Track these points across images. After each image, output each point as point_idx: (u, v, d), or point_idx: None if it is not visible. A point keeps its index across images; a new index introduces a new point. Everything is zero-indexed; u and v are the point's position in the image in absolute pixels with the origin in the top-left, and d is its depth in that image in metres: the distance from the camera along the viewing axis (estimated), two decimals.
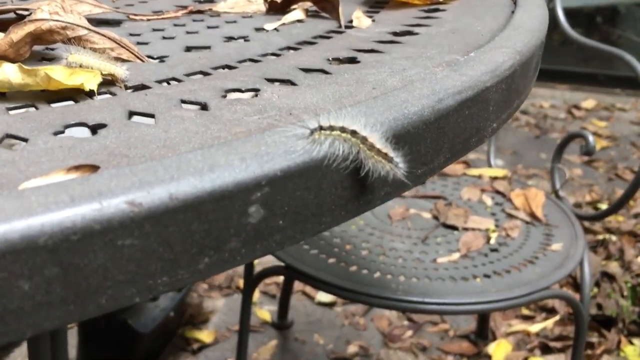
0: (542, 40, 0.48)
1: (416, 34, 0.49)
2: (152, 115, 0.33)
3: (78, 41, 0.41)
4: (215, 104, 0.35)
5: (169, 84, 0.39)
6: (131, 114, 0.33)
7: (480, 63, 0.40)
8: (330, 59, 0.43)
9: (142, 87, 0.38)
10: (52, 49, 0.44)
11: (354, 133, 0.30)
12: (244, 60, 0.43)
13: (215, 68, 0.42)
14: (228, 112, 0.34)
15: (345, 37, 0.49)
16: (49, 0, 0.49)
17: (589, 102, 2.84)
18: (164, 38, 0.49)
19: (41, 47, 0.43)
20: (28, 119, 0.32)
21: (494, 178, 1.37)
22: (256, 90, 0.37)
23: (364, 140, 0.30)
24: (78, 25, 0.41)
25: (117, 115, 0.33)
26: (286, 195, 0.28)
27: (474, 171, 1.40)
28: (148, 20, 0.53)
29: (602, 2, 3.16)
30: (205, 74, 0.41)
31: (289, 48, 0.46)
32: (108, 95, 0.37)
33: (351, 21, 0.53)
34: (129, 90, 0.37)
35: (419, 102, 0.34)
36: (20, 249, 0.22)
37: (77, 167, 0.25)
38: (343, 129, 0.30)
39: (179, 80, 0.39)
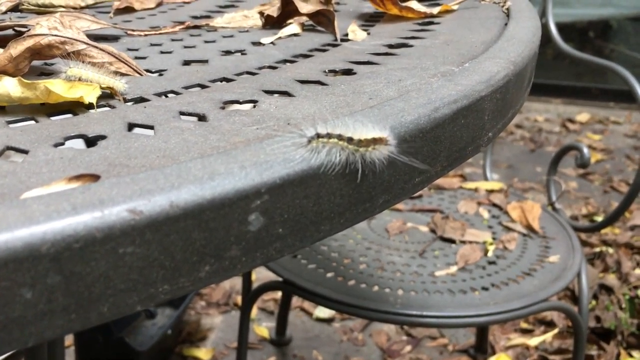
0: (535, 51, 0.48)
1: (411, 46, 0.49)
2: (151, 127, 0.33)
3: (77, 55, 0.42)
4: (214, 115, 0.35)
5: (167, 96, 0.40)
6: (130, 125, 0.34)
7: (474, 73, 0.40)
8: (327, 70, 0.44)
9: (140, 99, 0.38)
10: (51, 64, 0.45)
11: (350, 140, 0.31)
12: (241, 73, 0.44)
13: (213, 81, 0.42)
14: (226, 123, 0.34)
15: (341, 50, 0.49)
16: (48, 15, 0.49)
17: (583, 116, 2.86)
18: (162, 52, 0.49)
19: (40, 61, 0.44)
20: (28, 132, 0.33)
21: (490, 191, 1.38)
22: (254, 101, 0.38)
23: (359, 143, 0.31)
24: (77, 40, 0.41)
25: (117, 127, 0.33)
26: (285, 203, 0.28)
27: (471, 184, 1.41)
28: (146, 35, 0.53)
29: (594, 16, 3.20)
30: (203, 86, 0.41)
31: (285, 61, 0.47)
32: (107, 108, 0.37)
33: (347, 34, 0.53)
34: (128, 103, 0.38)
35: (415, 111, 0.34)
36: (22, 258, 0.22)
37: (78, 177, 0.25)
38: (340, 137, 0.30)
39: (177, 93, 0.40)
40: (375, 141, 0.31)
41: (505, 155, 2.55)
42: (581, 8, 3.15)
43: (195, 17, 0.61)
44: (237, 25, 0.56)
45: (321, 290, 1.03)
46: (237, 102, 0.38)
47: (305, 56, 0.48)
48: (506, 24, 0.54)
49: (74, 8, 0.62)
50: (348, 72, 0.44)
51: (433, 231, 1.23)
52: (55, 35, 0.41)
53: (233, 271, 0.27)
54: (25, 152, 0.30)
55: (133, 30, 0.53)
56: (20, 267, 0.22)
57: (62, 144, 0.31)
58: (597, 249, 1.93)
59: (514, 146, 2.64)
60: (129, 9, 0.62)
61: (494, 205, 1.32)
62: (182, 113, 0.36)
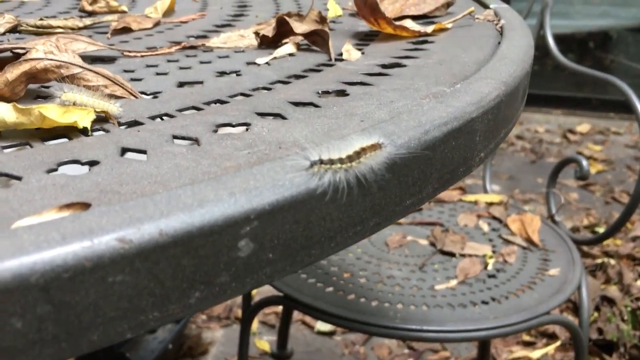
0: (527, 70, 0.49)
1: (404, 65, 0.50)
2: (144, 152, 0.34)
3: (72, 79, 0.42)
4: (207, 139, 0.36)
5: (161, 119, 0.40)
6: (124, 150, 0.34)
7: (466, 94, 0.40)
8: (320, 92, 0.44)
9: (135, 123, 0.39)
10: (47, 87, 0.45)
11: (350, 159, 0.31)
12: (236, 95, 0.44)
13: (207, 103, 0.43)
14: (219, 147, 0.34)
15: (335, 70, 0.50)
16: (45, 39, 0.50)
17: (583, 127, 2.86)
18: (157, 74, 0.49)
19: (36, 85, 0.44)
20: (22, 157, 0.33)
21: (490, 204, 1.38)
22: (247, 124, 0.38)
23: (357, 156, 0.31)
24: (72, 64, 0.42)
25: (110, 152, 0.34)
26: (275, 228, 0.28)
27: (470, 197, 1.41)
28: (142, 56, 0.54)
29: (594, 27, 3.21)
30: (197, 109, 0.42)
31: (279, 82, 0.47)
32: (101, 132, 0.37)
33: (341, 54, 0.54)
34: (122, 127, 0.38)
35: (406, 134, 0.34)
36: (12, 288, 0.22)
37: (69, 205, 0.26)
38: (341, 160, 0.31)
39: (171, 116, 0.40)
40: (372, 148, 0.32)
41: (506, 166, 2.55)
42: (581, 19, 3.16)
43: (192, 37, 0.62)
44: (232, 45, 0.57)
45: (321, 305, 1.03)
46: (230, 125, 0.38)
47: (299, 77, 0.49)
48: (499, 43, 0.55)
49: (72, 29, 0.62)
50: (341, 93, 0.44)
51: (433, 244, 1.23)
52: (51, 60, 0.42)
53: (223, 297, 0.27)
54: (18, 178, 0.31)
55: (129, 52, 0.54)
56: (9, 297, 0.22)
57: (55, 169, 0.32)
58: (599, 260, 1.92)
59: (515, 157, 2.64)
60: (126, 29, 0.62)
61: (494, 218, 1.32)
62: (175, 137, 0.36)
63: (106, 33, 0.62)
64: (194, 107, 0.42)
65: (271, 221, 0.28)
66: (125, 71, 0.50)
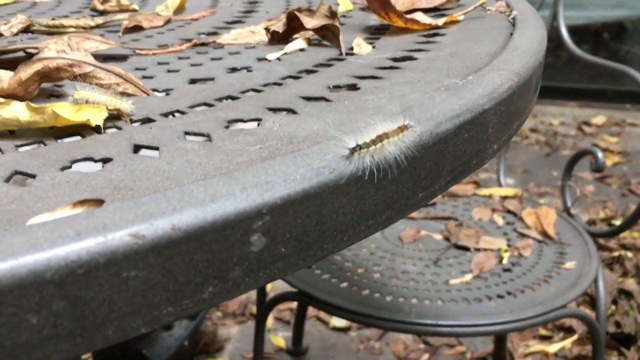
0: (540, 61, 0.48)
1: (415, 59, 0.50)
2: (156, 148, 0.34)
3: (85, 78, 0.42)
4: (218, 135, 0.36)
5: (173, 116, 0.40)
6: (136, 147, 0.34)
7: (478, 86, 0.40)
8: (331, 86, 0.44)
9: (147, 120, 0.39)
10: (60, 86, 0.45)
11: (382, 138, 0.32)
12: (247, 91, 0.44)
13: (219, 99, 0.43)
14: (230, 143, 0.34)
15: (346, 65, 0.50)
16: (57, 38, 0.50)
17: (599, 119, 2.83)
18: (169, 71, 0.50)
19: (49, 84, 0.44)
20: (36, 156, 0.33)
21: (505, 197, 1.37)
22: (258, 120, 0.38)
23: (390, 135, 0.33)
24: (84, 62, 0.42)
25: (123, 149, 0.34)
26: (287, 223, 0.28)
27: (484, 191, 1.40)
28: (153, 54, 0.54)
29: (609, 18, 3.17)
30: (208, 105, 0.42)
31: (290, 77, 0.47)
32: (114, 130, 0.37)
33: (352, 48, 0.53)
34: (135, 124, 0.38)
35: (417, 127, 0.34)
36: (27, 284, 0.22)
37: (83, 202, 0.26)
38: (375, 142, 0.32)
39: (183, 113, 0.40)
40: (400, 130, 0.33)
41: (520, 160, 2.53)
42: (595, 10, 3.13)
43: (203, 34, 0.62)
44: (243, 42, 0.57)
45: (335, 301, 1.04)
46: (242, 120, 0.38)
47: (310, 72, 0.49)
48: (512, 34, 0.54)
49: (84, 28, 0.62)
50: (352, 87, 0.44)
51: (447, 239, 1.22)
52: (64, 58, 0.42)
53: (236, 291, 0.27)
54: (32, 176, 0.31)
55: (141, 50, 0.54)
56: (25, 293, 0.22)
57: (69, 167, 0.32)
58: (616, 253, 1.91)
59: (530, 150, 2.63)
60: (137, 28, 0.62)
61: (509, 211, 1.32)
62: (187, 133, 0.36)
63: (118, 32, 0.62)
64: (205, 104, 0.42)
65: (283, 215, 0.28)
66: (137, 69, 0.50)
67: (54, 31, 0.61)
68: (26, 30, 0.62)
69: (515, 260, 1.15)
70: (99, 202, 0.26)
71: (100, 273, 0.23)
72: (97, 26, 0.64)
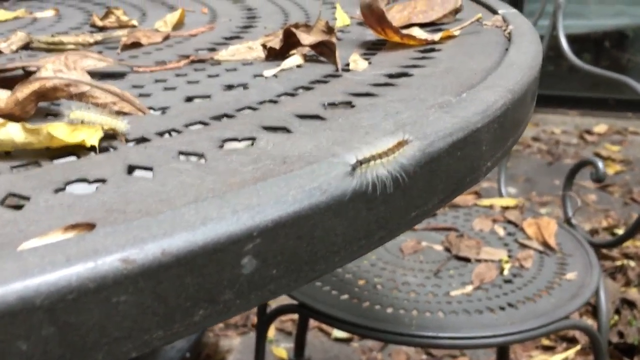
0: (535, 76, 0.49)
1: (411, 75, 0.50)
2: (150, 169, 0.34)
3: (81, 97, 0.43)
4: (212, 155, 0.36)
5: (169, 135, 0.40)
6: (130, 168, 0.35)
7: (471, 104, 0.40)
8: (326, 104, 0.44)
9: (142, 139, 0.39)
10: (58, 104, 0.46)
11: (385, 154, 0.33)
12: (242, 109, 0.45)
13: (214, 117, 0.43)
14: (224, 163, 0.34)
15: (341, 81, 0.50)
16: (55, 56, 0.51)
17: (600, 127, 2.83)
18: (166, 89, 0.50)
19: (47, 103, 0.45)
20: (31, 177, 0.33)
21: (506, 208, 1.37)
22: (252, 139, 0.38)
23: (391, 152, 0.33)
24: (81, 82, 0.43)
25: (117, 169, 0.34)
26: (278, 245, 0.28)
27: (485, 201, 1.40)
28: (151, 71, 0.54)
29: (610, 27, 3.17)
30: (204, 123, 0.42)
31: (286, 94, 0.48)
32: (110, 150, 0.38)
33: (348, 64, 0.54)
34: (130, 144, 0.39)
35: None
36: (17, 310, 0.22)
37: (74, 226, 0.26)
38: (376, 158, 0.32)
39: (178, 132, 0.40)
40: (400, 144, 0.33)
41: (522, 169, 2.53)
42: (596, 19, 3.13)
43: (201, 50, 0.62)
44: (240, 58, 0.57)
45: (336, 313, 1.04)
46: (236, 139, 0.38)
47: (306, 88, 0.49)
48: (507, 49, 0.54)
49: (83, 45, 0.63)
50: (347, 104, 0.44)
51: (448, 250, 1.22)
52: (60, 78, 0.42)
53: (227, 314, 0.28)
54: (27, 198, 0.31)
55: (139, 67, 0.54)
56: (15, 319, 0.22)
57: (63, 189, 0.32)
58: (619, 263, 1.90)
59: (531, 159, 2.62)
60: (136, 44, 0.63)
61: (510, 222, 1.32)
62: (181, 153, 0.37)
63: (117, 48, 0.63)
64: (201, 122, 0.42)
65: (274, 238, 0.28)
66: (134, 87, 0.51)
67: (53, 48, 0.61)
68: (26, 47, 0.62)
69: (516, 271, 1.15)
70: (90, 227, 0.26)
71: (90, 298, 0.24)
72: (96, 43, 0.64)
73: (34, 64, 0.49)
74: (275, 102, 0.46)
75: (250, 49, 0.59)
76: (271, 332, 1.81)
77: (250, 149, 0.37)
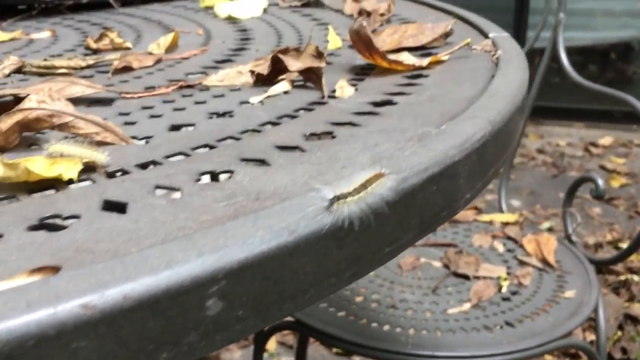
0: (518, 105, 0.49)
1: (395, 103, 0.50)
2: (125, 204, 0.34)
3: (64, 128, 0.43)
4: (188, 189, 0.36)
5: (150, 166, 0.41)
6: (105, 203, 0.35)
7: (450, 136, 0.41)
8: (308, 134, 0.45)
9: (122, 172, 0.40)
10: (43, 133, 0.46)
11: (361, 188, 0.33)
12: (225, 138, 0.45)
13: (196, 148, 0.43)
14: (198, 198, 0.35)
15: (326, 109, 0.50)
16: (44, 83, 0.51)
17: (606, 140, 2.82)
18: (152, 116, 0.50)
19: (31, 132, 0.45)
20: (7, 213, 0.34)
21: (506, 223, 1.36)
22: (230, 172, 0.39)
23: (365, 186, 0.33)
24: (64, 113, 0.43)
25: (92, 204, 0.35)
26: (244, 286, 0.29)
27: (485, 217, 1.40)
28: (139, 97, 0.55)
29: (615, 39, 3.17)
30: (185, 154, 0.42)
31: (270, 123, 0.48)
32: (88, 182, 0.38)
33: (334, 91, 0.54)
34: (109, 177, 0.39)
35: None
36: None
37: (40, 269, 0.26)
38: (352, 193, 0.33)
39: (158, 163, 0.41)
40: (376, 177, 0.34)
41: (527, 181, 2.52)
42: (602, 31, 3.13)
43: (192, 74, 0.63)
44: (229, 83, 0.58)
45: (332, 330, 1.04)
46: (214, 172, 0.39)
47: (291, 117, 0.49)
48: (494, 75, 0.54)
49: (75, 69, 0.64)
50: (329, 134, 0.45)
51: (446, 267, 1.22)
52: (43, 109, 0.43)
53: (192, 355, 0.28)
54: (0, 236, 0.31)
55: (127, 93, 0.55)
56: None
57: (37, 226, 0.33)
58: (623, 277, 1.89)
59: (536, 172, 2.62)
60: (127, 68, 0.63)
61: (509, 238, 1.31)
62: (158, 187, 0.37)
63: (108, 72, 0.63)
64: (182, 153, 0.42)
65: (240, 279, 0.28)
66: (121, 114, 0.51)
67: (45, 72, 0.62)
68: (18, 71, 0.63)
69: (514, 288, 1.15)
70: (56, 270, 0.27)
71: (50, 345, 0.24)
72: (88, 66, 0.65)
73: (20, 91, 0.50)
74: (258, 131, 0.46)
75: (240, 73, 0.60)
76: (272, 346, 1.81)
77: (226, 182, 0.37)
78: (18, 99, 0.51)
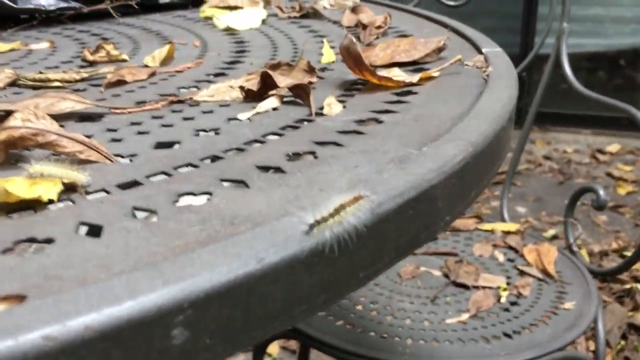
0: (503, 125, 0.49)
1: (381, 122, 0.50)
2: (100, 228, 0.35)
3: (48, 146, 0.44)
4: (165, 212, 0.36)
5: (130, 187, 0.41)
6: (81, 225, 0.35)
7: (429, 159, 0.41)
8: (291, 154, 0.45)
9: (102, 191, 0.40)
10: (30, 149, 0.46)
11: (338, 212, 0.33)
12: (208, 157, 0.45)
13: (178, 167, 0.44)
14: (174, 222, 0.35)
15: (312, 127, 0.50)
16: (34, 99, 0.52)
17: (613, 147, 2.81)
18: (139, 133, 0.51)
19: (18, 150, 0.46)
20: None
21: (507, 232, 1.36)
22: (208, 193, 0.39)
23: (345, 207, 0.34)
24: (48, 131, 0.43)
25: (68, 227, 0.35)
26: (211, 315, 0.29)
27: (487, 226, 1.39)
28: (128, 112, 0.55)
29: (624, 45, 3.15)
30: (166, 174, 0.43)
31: (255, 141, 0.48)
32: (68, 203, 0.38)
33: (322, 107, 0.54)
34: (89, 196, 0.39)
35: None
36: None
37: (5, 298, 0.27)
38: (332, 215, 0.33)
39: (139, 183, 0.41)
40: (355, 200, 0.34)
41: (532, 188, 2.51)
42: (611, 37, 3.11)
43: (184, 88, 0.63)
44: (219, 99, 0.58)
45: (329, 339, 1.04)
46: (192, 194, 0.39)
47: (276, 134, 0.49)
48: (482, 93, 0.54)
49: (69, 82, 0.64)
50: (311, 154, 0.45)
51: (446, 276, 1.22)
52: (28, 127, 0.43)
53: None
54: None
55: (116, 108, 0.55)
56: None
57: (11, 249, 0.33)
58: (627, 286, 1.88)
59: (542, 178, 2.61)
60: (120, 82, 0.64)
61: (510, 247, 1.31)
62: (135, 208, 0.37)
63: (101, 85, 0.64)
64: (163, 172, 0.43)
65: (206, 308, 0.29)
66: (109, 130, 0.51)
67: (39, 85, 0.63)
68: (12, 84, 0.63)
69: (514, 299, 1.14)
70: (21, 299, 0.27)
71: None
72: (82, 79, 0.65)
73: (10, 107, 0.50)
74: (242, 150, 0.46)
75: (231, 88, 0.60)
76: (275, 350, 1.81)
77: (203, 205, 0.37)
78: (9, 114, 0.51)
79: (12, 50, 0.80)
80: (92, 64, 0.73)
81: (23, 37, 0.88)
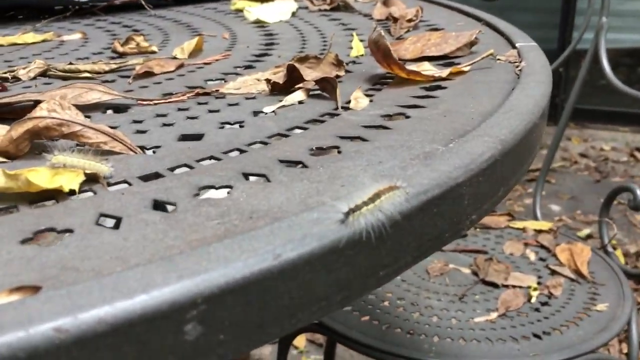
0: (535, 122, 0.47)
1: (408, 117, 0.49)
2: (119, 219, 0.35)
3: (73, 136, 0.44)
4: (184, 205, 0.36)
5: (153, 179, 0.41)
6: (101, 216, 0.35)
7: (456, 156, 0.39)
8: (314, 148, 0.44)
9: (124, 183, 0.40)
10: (55, 139, 0.47)
11: (373, 201, 0.33)
12: (231, 150, 0.45)
13: (201, 160, 0.43)
14: (192, 215, 0.35)
15: (337, 121, 0.50)
16: (62, 89, 0.52)
17: None
18: (164, 125, 0.51)
19: (43, 139, 0.46)
20: (3, 224, 0.34)
21: (539, 231, 1.33)
22: (229, 187, 0.38)
23: (380, 195, 0.33)
24: (73, 122, 0.43)
25: (88, 218, 0.35)
26: (225, 310, 0.28)
27: (518, 223, 1.37)
28: (155, 104, 0.55)
29: None
30: (189, 167, 0.42)
31: (279, 134, 0.47)
32: (89, 194, 0.38)
33: (349, 102, 0.53)
34: (110, 188, 0.39)
35: None
36: None
37: (19, 289, 0.27)
38: (367, 204, 0.33)
39: (161, 176, 0.41)
40: (389, 189, 0.34)
41: (568, 186, 2.46)
42: None
43: (211, 80, 0.63)
44: (245, 91, 0.58)
45: (354, 335, 1.03)
46: (213, 187, 0.39)
47: (301, 128, 0.49)
48: (514, 88, 0.53)
49: (98, 73, 0.64)
50: (335, 148, 0.44)
51: (475, 274, 1.20)
52: (53, 118, 0.43)
53: None
54: None
55: (143, 100, 0.55)
56: None
57: (31, 239, 0.33)
58: None
59: (578, 176, 2.55)
60: (148, 74, 0.64)
61: (542, 246, 1.28)
62: (155, 201, 0.37)
63: (129, 77, 0.64)
64: (186, 165, 0.43)
65: (221, 304, 0.28)
66: (135, 121, 0.51)
67: (68, 76, 0.63)
68: (43, 74, 0.64)
69: (544, 299, 1.12)
70: (36, 289, 0.27)
71: None
72: (112, 71, 0.65)
73: (39, 97, 0.51)
74: (265, 143, 0.46)
75: (258, 81, 0.60)
76: (302, 343, 1.81)
77: (222, 199, 0.37)
78: (38, 104, 0.52)
79: (44, 41, 0.81)
80: (121, 55, 0.73)
81: (56, 28, 0.89)
